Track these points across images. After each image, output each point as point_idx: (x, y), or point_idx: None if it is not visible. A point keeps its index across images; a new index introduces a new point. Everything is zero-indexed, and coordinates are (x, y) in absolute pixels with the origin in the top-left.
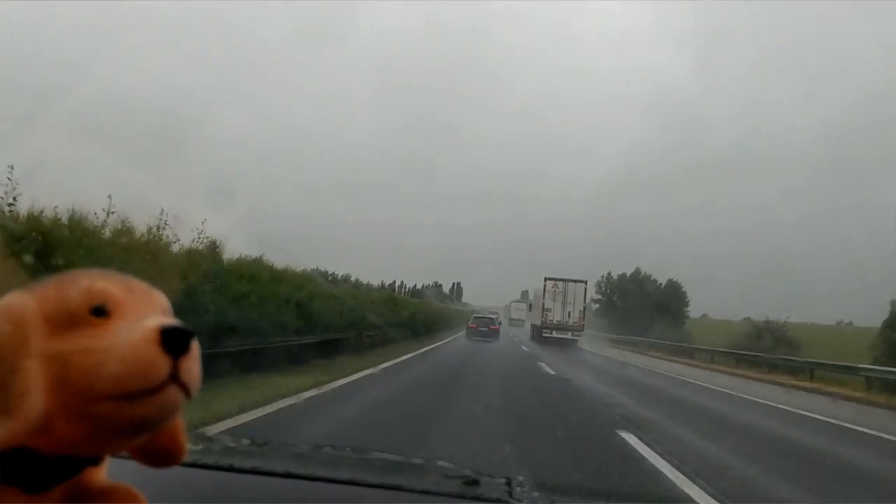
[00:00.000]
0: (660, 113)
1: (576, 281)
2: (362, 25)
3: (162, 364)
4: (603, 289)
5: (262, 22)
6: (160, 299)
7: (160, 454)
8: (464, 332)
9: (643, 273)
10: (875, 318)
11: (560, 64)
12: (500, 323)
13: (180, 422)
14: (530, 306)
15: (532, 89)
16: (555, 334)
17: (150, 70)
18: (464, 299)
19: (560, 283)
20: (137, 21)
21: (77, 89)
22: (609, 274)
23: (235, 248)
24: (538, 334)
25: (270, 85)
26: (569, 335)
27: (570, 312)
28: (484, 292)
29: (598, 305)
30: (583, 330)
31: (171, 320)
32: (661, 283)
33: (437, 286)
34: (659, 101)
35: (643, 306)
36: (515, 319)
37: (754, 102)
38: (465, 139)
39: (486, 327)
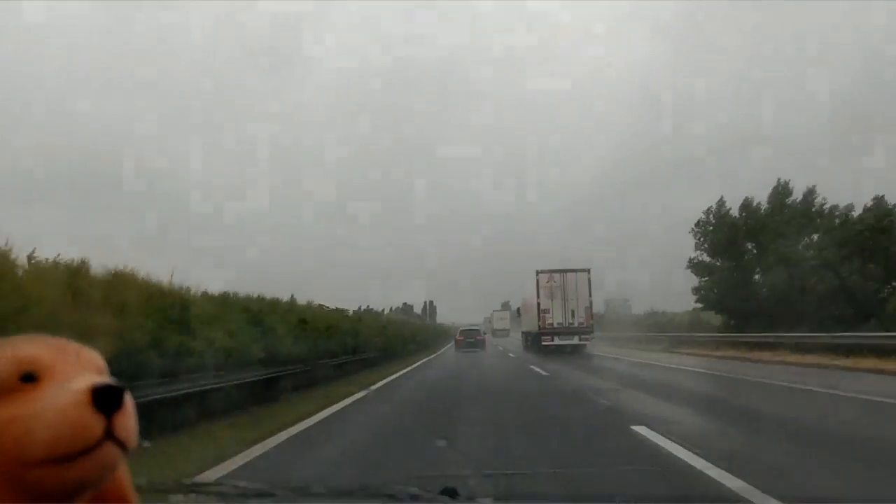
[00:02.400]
0: (639, 111)
1: (576, 270)
2: (321, 46)
3: (95, 424)
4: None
5: (210, 49)
6: (93, 358)
7: None
8: (442, 350)
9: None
10: None
11: (532, 77)
12: (485, 334)
13: (125, 478)
14: (518, 311)
15: (505, 103)
16: (557, 341)
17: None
18: (438, 318)
19: (557, 276)
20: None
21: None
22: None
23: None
24: (534, 343)
25: (224, 113)
26: (574, 340)
27: (573, 311)
28: (459, 309)
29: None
30: (592, 331)
31: (101, 379)
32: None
33: (408, 307)
34: (639, 98)
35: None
36: (499, 330)
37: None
38: (435, 156)
39: (472, 339)
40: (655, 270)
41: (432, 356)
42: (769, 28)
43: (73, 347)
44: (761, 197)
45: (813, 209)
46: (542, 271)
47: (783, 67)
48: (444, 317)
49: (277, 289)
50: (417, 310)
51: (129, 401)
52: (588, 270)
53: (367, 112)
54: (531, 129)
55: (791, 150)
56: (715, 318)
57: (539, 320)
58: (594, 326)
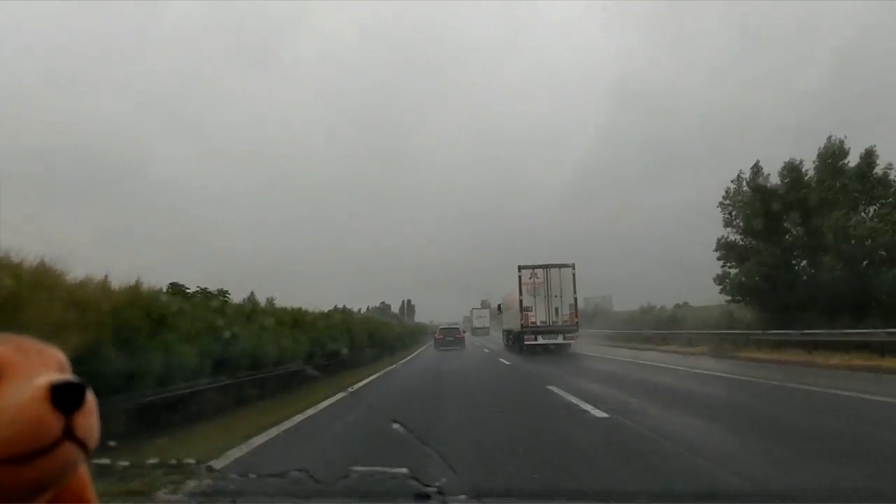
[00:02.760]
0: (624, 105)
1: (560, 266)
2: (301, 45)
3: (53, 422)
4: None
5: (194, 51)
6: (55, 356)
7: None
8: (418, 352)
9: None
10: None
11: (516, 71)
12: (464, 332)
13: (86, 478)
14: (499, 308)
15: (486, 101)
16: (540, 340)
17: (79, 107)
18: (417, 317)
19: (540, 272)
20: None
21: None
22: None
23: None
24: (516, 342)
25: (204, 115)
26: (559, 339)
27: (557, 309)
28: (438, 309)
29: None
30: (577, 329)
31: (62, 376)
32: None
33: (385, 306)
34: (622, 90)
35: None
36: (479, 328)
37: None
38: (414, 157)
39: (452, 337)
40: (644, 266)
41: (400, 362)
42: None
43: (35, 346)
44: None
45: (873, 174)
46: (525, 267)
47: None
48: (424, 316)
49: (254, 288)
50: (395, 309)
51: (90, 399)
52: (573, 266)
53: (345, 109)
54: (514, 125)
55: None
56: (743, 312)
57: (521, 318)
58: (579, 325)
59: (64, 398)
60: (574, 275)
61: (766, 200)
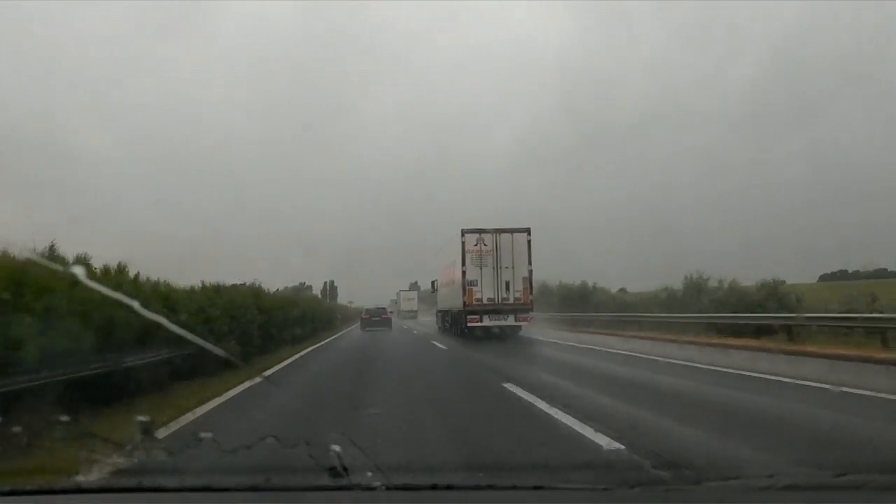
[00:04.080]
0: (560, 81)
1: (513, 230)
2: (223, 14)
3: None
4: None
5: (104, 20)
6: None
7: None
8: (337, 335)
9: None
10: None
11: (452, 39)
12: (391, 312)
13: None
14: (433, 286)
15: (422, 70)
16: (487, 321)
17: None
18: (341, 299)
19: (488, 237)
20: None
21: None
22: None
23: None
24: (455, 324)
25: (114, 86)
26: (509, 320)
27: (508, 283)
28: (362, 291)
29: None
30: (531, 309)
31: None
32: None
33: (305, 286)
34: (560, 67)
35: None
36: (407, 311)
37: (663, 61)
38: (341, 136)
39: (378, 317)
40: (588, 244)
41: (310, 348)
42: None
43: None
44: None
45: None
46: (470, 231)
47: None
48: (347, 298)
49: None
50: (317, 291)
51: None
52: (528, 230)
53: (266, 83)
54: (442, 94)
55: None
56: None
57: (464, 295)
58: (533, 303)
59: None
60: (529, 242)
61: None
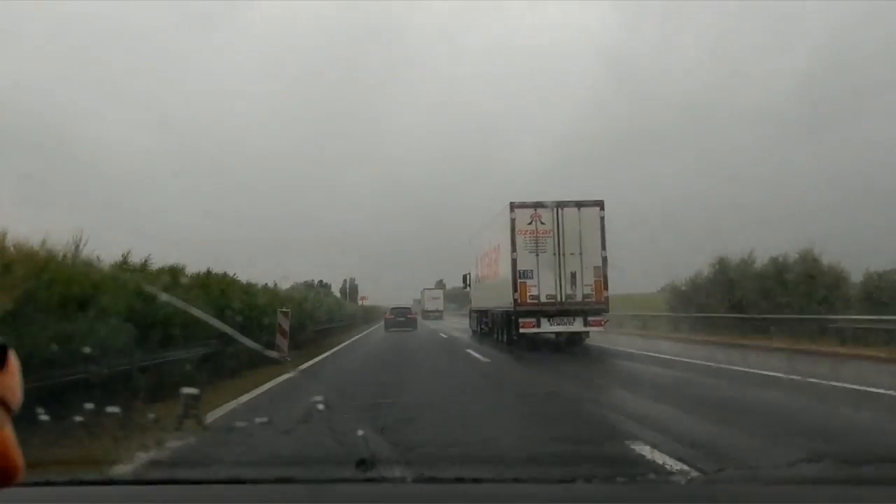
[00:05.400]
0: (605, 78)
1: (581, 203)
2: (252, 8)
3: None
4: None
5: (139, 12)
6: None
7: None
8: (352, 340)
9: None
10: None
11: (481, 38)
12: (416, 313)
13: (10, 438)
14: (465, 280)
15: (451, 68)
16: (546, 326)
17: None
18: (361, 298)
19: (547, 214)
20: None
21: None
22: None
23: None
24: (501, 329)
25: (148, 79)
26: (576, 324)
27: (574, 274)
28: (384, 290)
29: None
30: (606, 309)
31: None
32: None
33: (325, 285)
34: (600, 63)
35: None
36: (431, 311)
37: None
38: (369, 128)
39: (403, 317)
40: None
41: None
42: None
43: None
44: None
45: None
46: (521, 204)
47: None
48: (371, 298)
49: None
50: (336, 289)
51: (12, 359)
52: (600, 204)
53: (291, 78)
54: (479, 99)
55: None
56: None
57: (514, 291)
58: (609, 301)
59: None
60: (603, 220)
61: None
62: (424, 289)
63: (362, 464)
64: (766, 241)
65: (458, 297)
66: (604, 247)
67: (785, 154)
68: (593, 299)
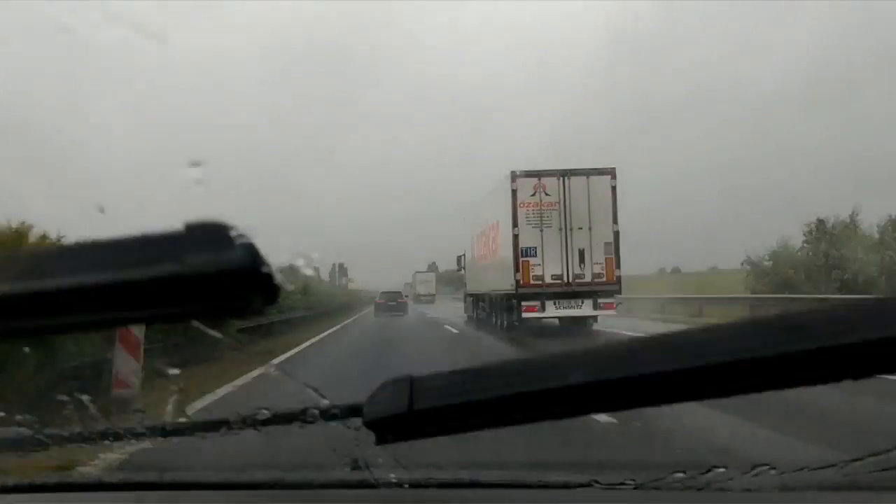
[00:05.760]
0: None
1: (590, 172)
2: None
3: None
4: None
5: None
6: None
7: None
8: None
9: None
10: None
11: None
12: (406, 296)
13: None
14: (459, 262)
15: (445, 47)
16: (552, 310)
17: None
18: (351, 283)
19: (553, 183)
20: None
21: None
22: None
23: None
24: (500, 314)
25: (132, 61)
26: (585, 308)
27: (582, 252)
28: (374, 274)
29: None
30: (618, 290)
31: None
32: None
33: (314, 267)
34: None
35: None
36: (423, 295)
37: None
38: (361, 110)
39: (394, 301)
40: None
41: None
42: None
43: None
44: None
45: None
46: (524, 174)
47: None
48: (360, 283)
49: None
50: (324, 274)
51: None
52: (611, 172)
53: (280, 56)
54: (475, 81)
55: None
56: None
57: (516, 271)
58: (621, 280)
59: None
60: (614, 189)
61: None
62: (416, 272)
63: (356, 467)
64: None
65: (452, 280)
66: (615, 220)
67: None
68: (604, 279)
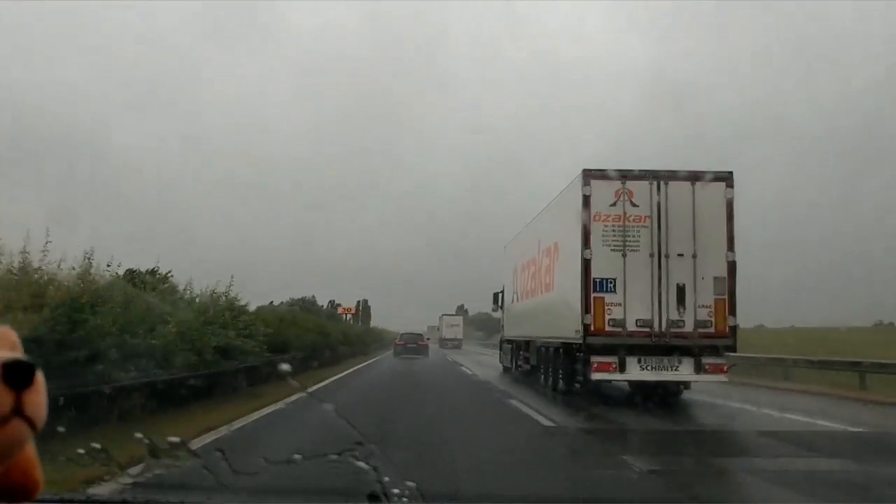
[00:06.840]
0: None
1: (696, 177)
2: (282, 20)
3: (3, 398)
4: None
5: (165, 20)
6: (8, 336)
7: (13, 490)
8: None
9: None
10: None
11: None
12: (428, 339)
13: (33, 456)
14: (496, 299)
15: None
16: (636, 371)
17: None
18: (375, 322)
19: (644, 189)
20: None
21: None
22: None
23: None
24: (555, 370)
25: (175, 91)
26: (684, 368)
27: (682, 288)
28: (399, 314)
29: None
30: (733, 346)
31: (13, 354)
32: None
33: (335, 305)
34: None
35: None
36: (449, 339)
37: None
38: (401, 152)
39: (413, 343)
40: None
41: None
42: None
43: None
44: None
45: None
46: (602, 174)
47: None
48: (384, 322)
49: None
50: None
51: (40, 379)
52: (727, 178)
53: (317, 95)
54: (510, 124)
55: None
56: None
57: (585, 310)
58: (736, 332)
59: (14, 376)
60: (731, 203)
61: None
62: (443, 314)
63: (374, 499)
64: None
65: (485, 325)
66: (731, 246)
67: None
68: (712, 330)
